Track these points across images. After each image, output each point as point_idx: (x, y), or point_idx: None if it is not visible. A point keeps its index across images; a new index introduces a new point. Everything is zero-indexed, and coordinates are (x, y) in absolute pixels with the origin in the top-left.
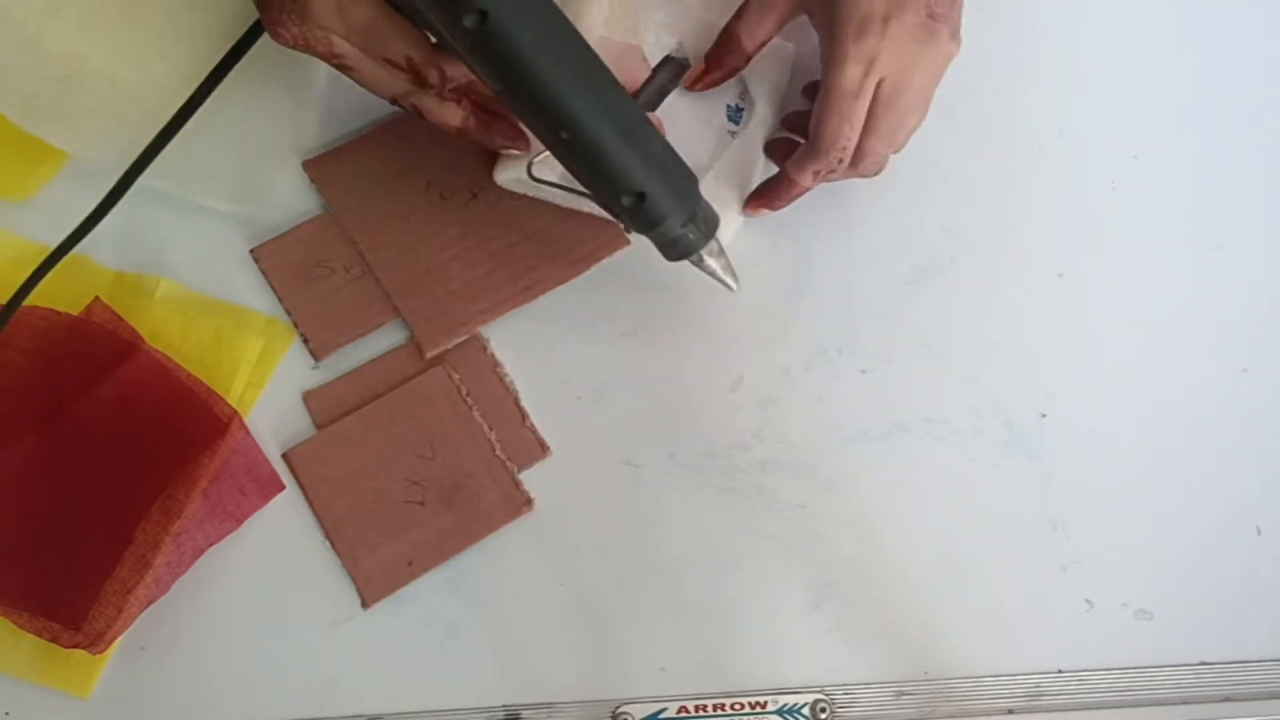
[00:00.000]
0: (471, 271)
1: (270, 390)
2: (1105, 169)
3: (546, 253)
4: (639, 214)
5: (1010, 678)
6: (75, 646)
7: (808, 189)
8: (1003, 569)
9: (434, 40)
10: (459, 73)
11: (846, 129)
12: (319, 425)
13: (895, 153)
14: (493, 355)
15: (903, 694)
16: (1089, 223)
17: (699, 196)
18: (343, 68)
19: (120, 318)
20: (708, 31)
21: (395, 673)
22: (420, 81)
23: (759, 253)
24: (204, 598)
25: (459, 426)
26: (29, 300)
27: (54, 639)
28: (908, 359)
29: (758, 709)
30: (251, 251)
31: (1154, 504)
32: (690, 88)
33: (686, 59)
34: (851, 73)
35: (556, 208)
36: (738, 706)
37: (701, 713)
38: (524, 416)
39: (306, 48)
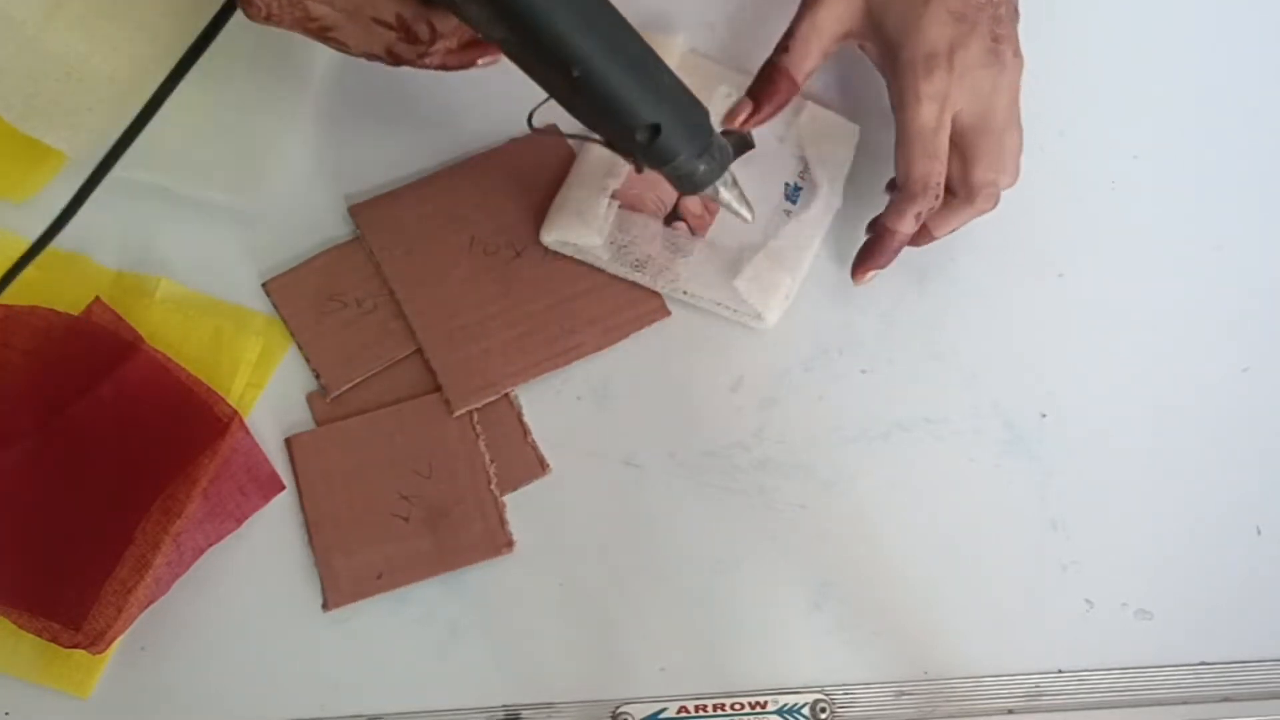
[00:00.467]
0: (508, 331)
1: (272, 390)
2: (1105, 169)
3: (585, 317)
4: (652, 149)
5: (1010, 678)
6: (75, 646)
7: (908, 235)
8: (1003, 569)
9: None
10: (448, 25)
11: (937, 166)
12: (321, 426)
13: (1011, 182)
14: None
15: (903, 694)
16: (1089, 223)
17: (712, 129)
18: (320, 31)
19: (120, 318)
20: None
21: (395, 673)
22: (411, 38)
23: None
24: (204, 598)
25: (462, 451)
26: (29, 300)
27: (54, 639)
28: (908, 359)
29: (758, 709)
30: (264, 285)
31: (1154, 504)
32: (738, 130)
33: (749, 132)
34: (927, 111)
35: (598, 272)
36: (738, 706)
37: (701, 713)
38: (526, 432)
39: (279, 17)
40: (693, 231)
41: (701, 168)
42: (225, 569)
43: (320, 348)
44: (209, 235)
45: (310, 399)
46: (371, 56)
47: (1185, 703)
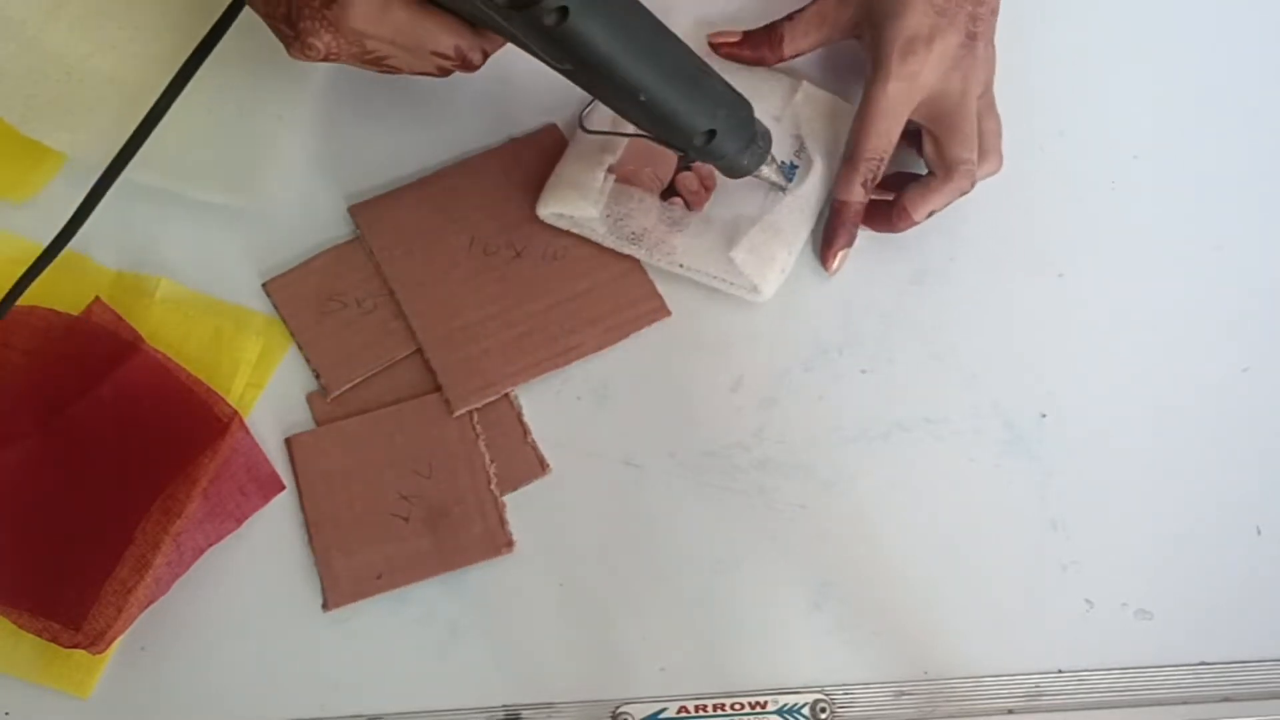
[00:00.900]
0: (508, 331)
1: (272, 390)
2: (1105, 169)
3: (585, 317)
4: (707, 150)
5: (1010, 678)
6: (75, 646)
7: (860, 206)
8: (1003, 569)
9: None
10: (495, 44)
11: (885, 143)
12: (321, 426)
13: (994, 168)
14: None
15: (903, 694)
16: (1089, 223)
17: (755, 120)
18: (375, 61)
19: (120, 318)
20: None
21: (395, 673)
22: (466, 65)
23: None
24: (204, 598)
25: (462, 451)
26: (29, 300)
27: (54, 639)
28: (908, 359)
29: (758, 709)
30: (264, 285)
31: (1154, 504)
32: (715, 46)
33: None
34: (895, 89)
35: (598, 272)
36: (738, 706)
37: (701, 713)
38: (526, 432)
39: (336, 57)
40: (689, 206)
41: (747, 159)
42: (225, 569)
43: (320, 348)
44: (209, 235)
45: (310, 399)
46: (423, 74)
47: (1185, 703)
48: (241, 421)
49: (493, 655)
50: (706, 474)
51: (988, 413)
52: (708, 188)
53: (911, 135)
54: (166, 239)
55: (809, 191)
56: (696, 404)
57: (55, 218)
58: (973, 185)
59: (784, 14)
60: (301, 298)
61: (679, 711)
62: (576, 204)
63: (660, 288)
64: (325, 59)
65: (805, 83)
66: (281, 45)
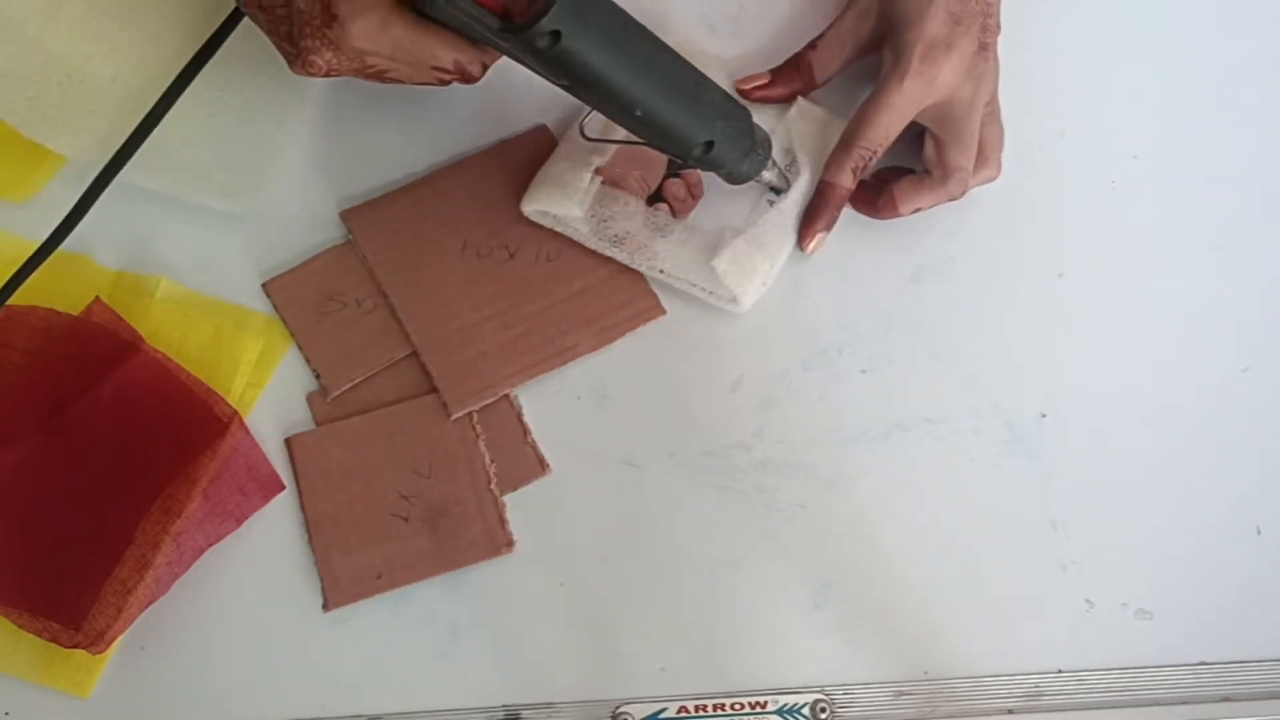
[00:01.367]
0: (504, 333)
1: (272, 390)
2: (1105, 169)
3: (580, 318)
4: (706, 159)
5: (1010, 678)
6: (75, 646)
7: (846, 191)
8: (1003, 569)
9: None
10: (493, 57)
11: (884, 139)
12: (321, 426)
13: (992, 175)
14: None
15: (903, 694)
16: (1089, 223)
17: (754, 128)
18: (376, 75)
19: (120, 318)
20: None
21: (395, 673)
22: (466, 78)
23: None
24: (204, 598)
25: (462, 451)
26: (29, 300)
27: (54, 639)
28: (908, 359)
29: (758, 709)
30: (264, 285)
31: (1154, 504)
32: (748, 95)
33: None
34: (909, 88)
35: (592, 272)
36: (738, 706)
37: (701, 713)
38: (526, 432)
39: (337, 72)
40: (674, 213)
41: (746, 166)
42: (225, 569)
43: (320, 348)
44: (209, 235)
45: (310, 399)
46: (423, 84)
47: (1185, 703)
48: (241, 421)
49: (493, 655)
50: (706, 474)
51: (988, 413)
52: (695, 196)
53: (912, 135)
54: (166, 239)
55: (795, 205)
56: (696, 404)
57: (55, 218)
58: (964, 193)
59: (784, 12)
60: (301, 298)
61: (679, 711)
62: (561, 203)
63: (658, 288)
64: (327, 75)
65: (800, 98)
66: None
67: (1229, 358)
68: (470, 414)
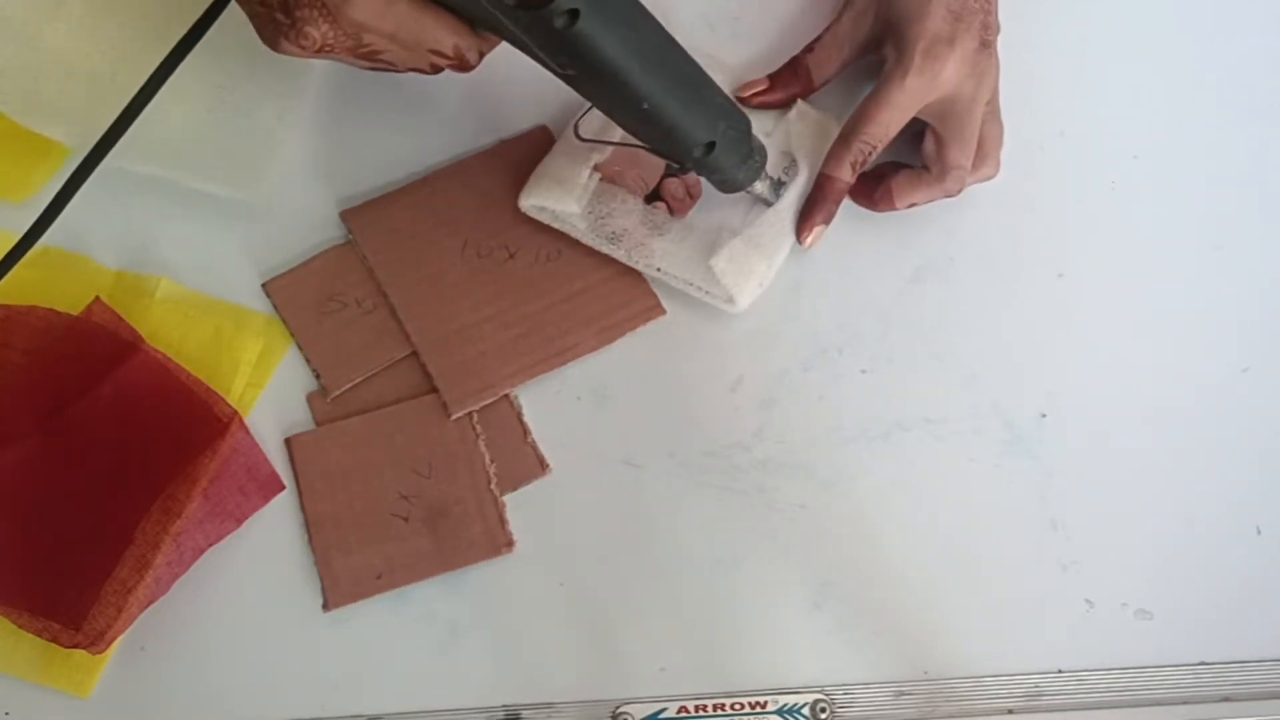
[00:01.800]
0: (504, 333)
1: (272, 390)
2: (1105, 169)
3: (580, 318)
4: (705, 162)
5: (1010, 678)
6: (75, 646)
7: (846, 185)
8: (1003, 569)
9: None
10: (491, 44)
11: (885, 135)
12: (321, 426)
13: (991, 173)
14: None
15: (903, 694)
16: (1089, 223)
17: (752, 135)
18: (369, 55)
19: (120, 318)
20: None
21: (395, 673)
22: (463, 65)
23: None
24: (204, 598)
25: (462, 451)
26: (29, 300)
27: (54, 639)
28: (908, 359)
29: (758, 709)
30: (264, 285)
31: (1154, 504)
32: (746, 100)
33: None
34: (912, 84)
35: (592, 272)
36: (738, 706)
37: (701, 713)
38: (526, 432)
39: (330, 49)
40: (672, 212)
41: (742, 174)
42: (225, 569)
43: (320, 348)
44: (209, 235)
45: (310, 399)
46: (414, 70)
47: (1185, 703)
48: (241, 421)
49: (493, 655)
50: (706, 474)
51: (988, 413)
52: (693, 196)
53: (911, 131)
54: (166, 239)
55: (793, 206)
56: (696, 404)
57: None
58: (960, 190)
59: (784, 12)
60: (301, 298)
61: (679, 711)
62: (559, 198)
63: (657, 288)
64: (319, 51)
65: (799, 100)
66: (264, 43)
67: (1229, 358)
68: (470, 414)
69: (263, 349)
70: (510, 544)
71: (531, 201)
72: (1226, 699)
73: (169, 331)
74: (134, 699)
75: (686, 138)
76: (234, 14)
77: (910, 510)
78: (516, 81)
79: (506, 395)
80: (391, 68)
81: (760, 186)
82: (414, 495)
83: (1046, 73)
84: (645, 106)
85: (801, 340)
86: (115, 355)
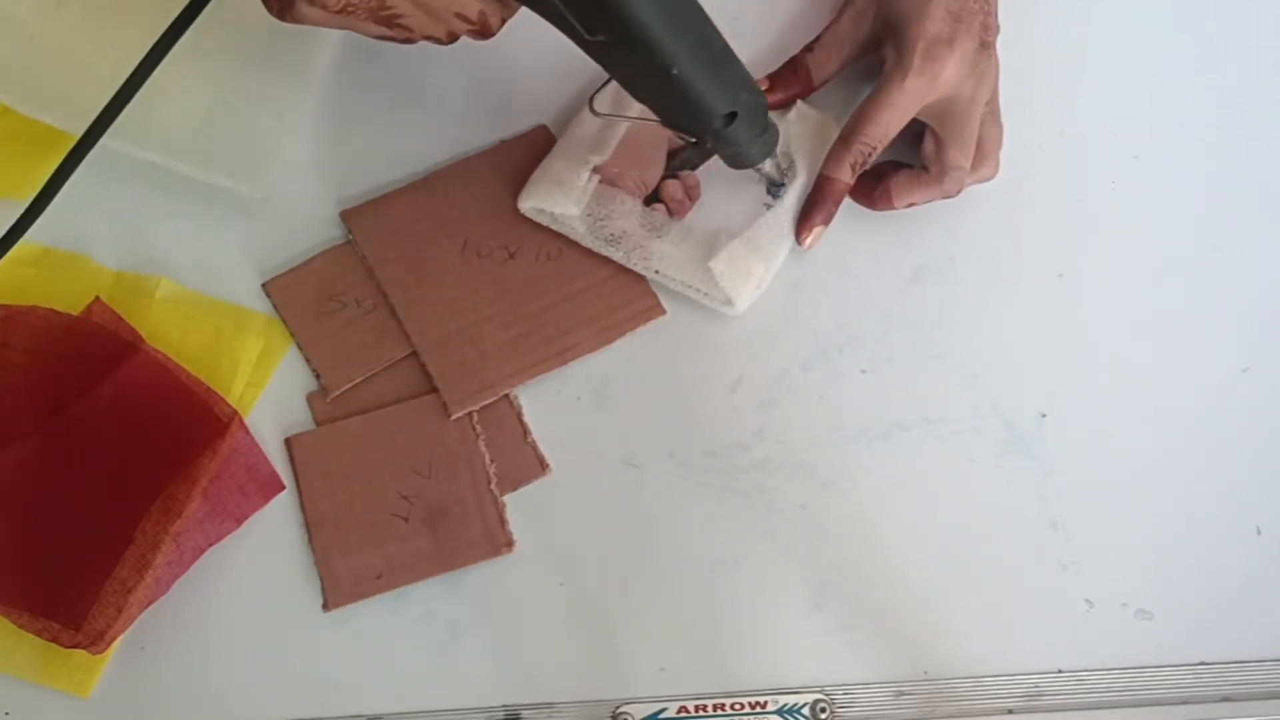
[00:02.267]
0: (504, 333)
1: (272, 390)
2: (1105, 169)
3: (580, 317)
4: (723, 133)
5: (1010, 678)
6: (75, 646)
7: (845, 186)
8: (1003, 569)
9: None
10: (512, 11)
11: (885, 136)
12: (321, 426)
13: (991, 174)
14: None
15: (903, 694)
16: (1089, 223)
17: (768, 109)
18: (389, 19)
19: (120, 318)
20: None
21: (395, 673)
22: (485, 31)
23: None
24: (204, 598)
25: (462, 451)
26: (29, 300)
27: (54, 639)
28: (908, 359)
29: (758, 709)
30: (264, 285)
31: (1154, 504)
32: None
33: None
34: (912, 85)
35: (592, 272)
36: (738, 706)
37: (701, 713)
38: (526, 432)
39: (353, 9)
40: (671, 214)
41: (757, 149)
42: (225, 569)
43: (320, 348)
44: (209, 235)
45: (310, 399)
46: (428, 40)
47: (1185, 703)
48: (241, 421)
49: (493, 655)
50: (706, 474)
51: (988, 413)
52: (692, 198)
53: (911, 131)
54: (166, 239)
55: (792, 208)
56: (696, 404)
57: (57, 216)
58: (959, 191)
59: (784, 12)
60: (301, 298)
61: (679, 711)
62: (558, 200)
63: (657, 288)
64: (343, 9)
65: (799, 101)
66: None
67: (1229, 358)
68: (470, 414)
69: (263, 349)
70: (510, 544)
71: (530, 204)
72: (1226, 699)
73: (169, 331)
74: (134, 699)
75: (710, 106)
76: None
77: (910, 510)
78: (517, 81)
79: (506, 395)
80: (407, 36)
81: (769, 165)
82: (414, 495)
83: (1046, 73)
84: (675, 71)
85: (801, 340)
86: (115, 355)
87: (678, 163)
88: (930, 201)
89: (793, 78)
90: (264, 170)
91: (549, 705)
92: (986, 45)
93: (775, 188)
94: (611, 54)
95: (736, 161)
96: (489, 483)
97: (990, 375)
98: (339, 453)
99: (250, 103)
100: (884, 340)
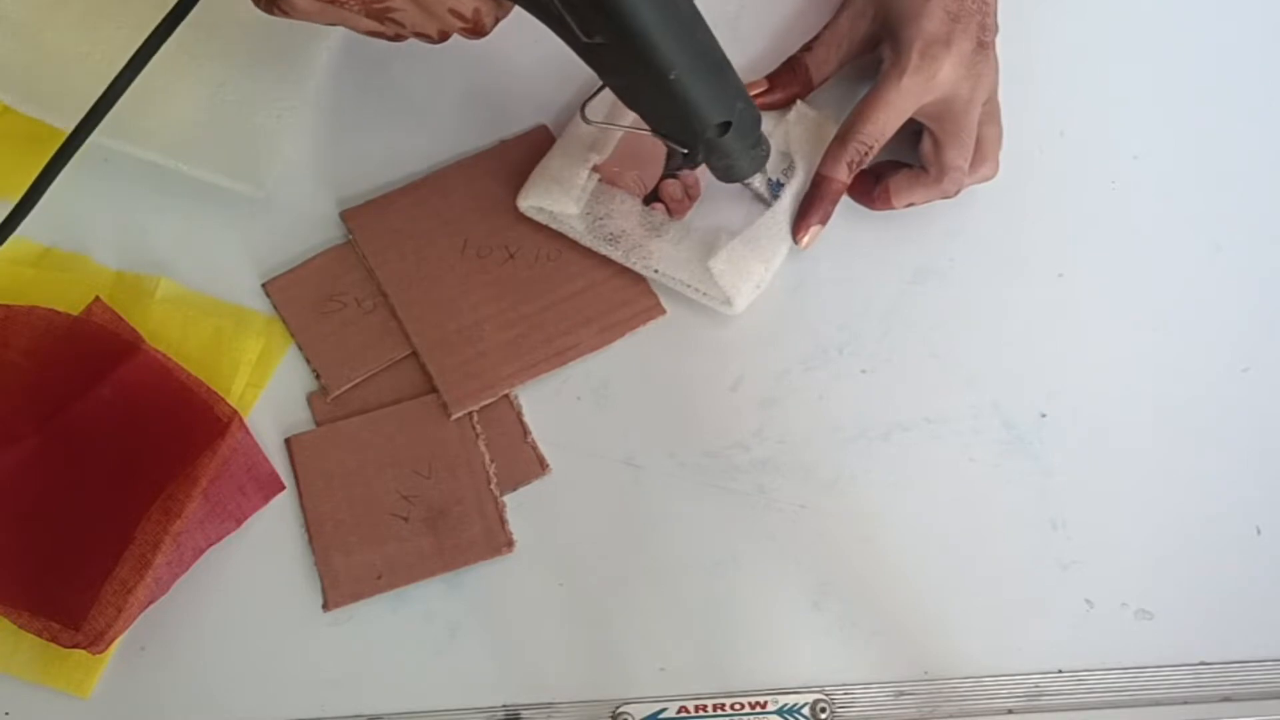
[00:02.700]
0: (504, 333)
1: (272, 390)
2: (1105, 169)
3: (579, 318)
4: (716, 144)
5: (1010, 678)
6: (75, 646)
7: (842, 185)
8: (1003, 569)
9: None
10: (506, 11)
11: (882, 134)
12: (321, 426)
13: (990, 174)
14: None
15: (903, 694)
16: (1089, 223)
17: (760, 123)
18: (382, 12)
19: (120, 318)
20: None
21: (395, 673)
22: (477, 29)
23: None
24: (204, 598)
25: (462, 451)
26: (29, 300)
27: (54, 639)
28: (908, 359)
29: (758, 709)
30: (264, 285)
31: (1154, 504)
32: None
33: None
34: (908, 84)
35: (592, 271)
36: (738, 706)
37: (701, 713)
38: (526, 432)
39: (338, 1)
40: (670, 213)
41: (748, 161)
42: (225, 569)
43: (320, 348)
44: (209, 235)
45: (310, 399)
46: (420, 37)
47: (1185, 703)
48: (241, 421)
49: (493, 655)
50: (706, 474)
51: (988, 413)
52: (691, 197)
53: (910, 131)
54: (166, 239)
55: (790, 208)
56: (696, 404)
57: (56, 217)
58: (958, 191)
59: (784, 12)
60: (301, 298)
61: (679, 711)
62: (557, 199)
63: (657, 288)
64: (321, 12)
65: (800, 103)
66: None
67: (1229, 358)
68: (470, 414)
69: (263, 349)
70: (510, 544)
71: (530, 202)
72: (1226, 699)
73: (169, 331)
74: (134, 699)
75: (705, 115)
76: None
77: (910, 510)
78: (517, 81)
79: (506, 395)
80: (398, 31)
81: (758, 182)
82: (414, 495)
83: (1046, 73)
84: (673, 76)
85: (801, 340)
86: (115, 355)
87: (677, 162)
88: (929, 202)
89: (792, 77)
90: (263, 170)
91: (549, 705)
92: (984, 45)
93: (776, 188)
94: (608, 57)
95: (727, 174)
96: (489, 483)
97: (990, 375)
98: (339, 453)
99: (250, 103)
100: (884, 340)
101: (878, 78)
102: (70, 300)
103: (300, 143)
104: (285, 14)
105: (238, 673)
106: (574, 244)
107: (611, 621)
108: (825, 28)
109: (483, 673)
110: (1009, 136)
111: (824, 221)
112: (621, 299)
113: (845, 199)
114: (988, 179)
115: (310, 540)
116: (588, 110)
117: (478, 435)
